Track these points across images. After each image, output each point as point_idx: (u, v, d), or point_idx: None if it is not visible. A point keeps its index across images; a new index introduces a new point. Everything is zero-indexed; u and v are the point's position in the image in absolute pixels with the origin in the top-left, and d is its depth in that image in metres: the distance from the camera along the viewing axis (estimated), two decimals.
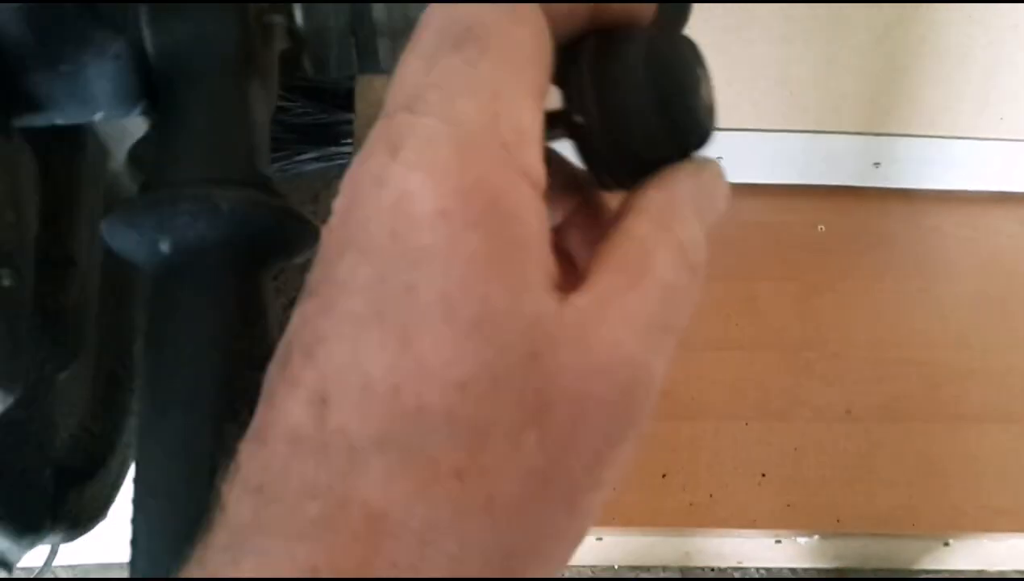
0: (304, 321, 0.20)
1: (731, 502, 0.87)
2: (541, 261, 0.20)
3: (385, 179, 0.19)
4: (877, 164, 1.02)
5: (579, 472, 0.20)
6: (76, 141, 0.39)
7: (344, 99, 0.50)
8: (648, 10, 0.24)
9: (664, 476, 0.88)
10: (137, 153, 0.44)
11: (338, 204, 0.21)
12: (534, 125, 0.20)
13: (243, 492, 0.19)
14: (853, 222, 1.03)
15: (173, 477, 0.24)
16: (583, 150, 0.23)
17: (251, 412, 0.20)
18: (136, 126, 0.43)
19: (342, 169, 0.22)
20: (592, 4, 0.23)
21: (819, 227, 1.02)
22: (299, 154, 0.49)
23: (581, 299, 0.20)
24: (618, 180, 0.23)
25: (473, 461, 0.18)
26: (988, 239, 1.03)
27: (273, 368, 0.20)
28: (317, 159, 0.50)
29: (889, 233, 1.04)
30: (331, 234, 0.20)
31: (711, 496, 0.87)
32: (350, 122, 0.51)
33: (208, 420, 0.25)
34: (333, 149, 0.50)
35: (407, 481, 0.18)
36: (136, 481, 0.25)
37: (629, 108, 0.22)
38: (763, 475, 0.88)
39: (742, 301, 0.97)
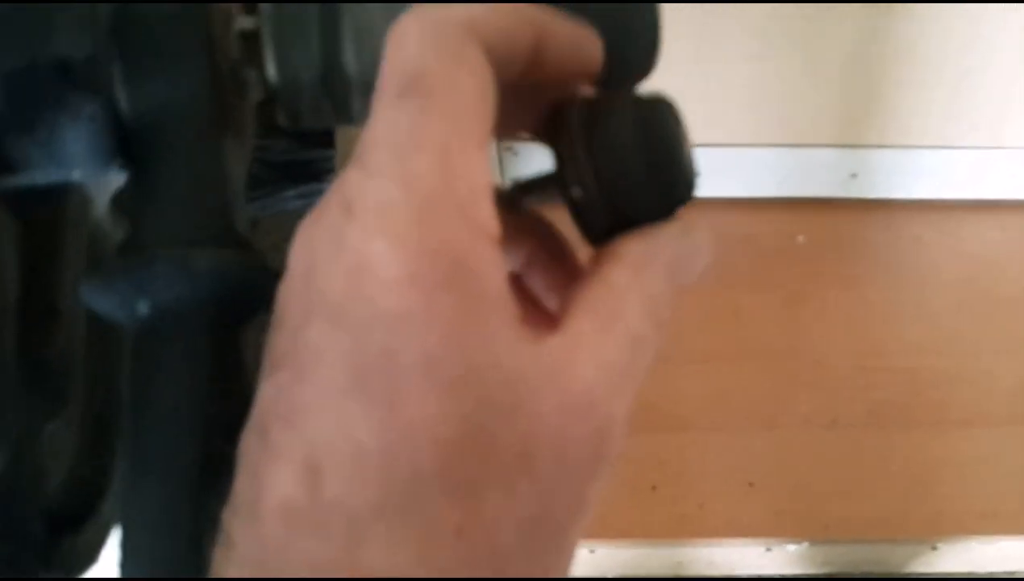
0: (279, 391, 0.20)
1: (721, 512, 0.87)
2: (507, 312, 0.20)
3: (343, 242, 0.20)
4: (854, 175, 1.03)
5: (565, 513, 0.20)
6: (60, 191, 0.40)
7: (325, 136, 0.50)
8: (595, 48, 0.24)
9: (654, 488, 0.88)
10: (120, 200, 0.44)
11: (293, 261, 0.21)
12: (485, 178, 0.21)
13: (242, 568, 0.19)
14: (832, 232, 1.04)
15: (156, 543, 0.25)
16: (579, 216, 0.24)
17: (230, 477, 0.20)
18: (118, 173, 0.44)
19: None
20: (533, 45, 0.23)
21: (799, 238, 1.03)
22: (280, 192, 0.50)
23: (555, 340, 0.21)
24: (610, 239, 0.24)
25: (471, 517, 0.19)
26: (965, 245, 1.05)
27: (250, 439, 0.20)
28: (298, 197, 0.50)
29: (868, 242, 1.05)
30: (292, 297, 0.21)
31: (701, 507, 0.88)
32: (331, 159, 0.51)
33: (187, 486, 0.25)
34: (314, 186, 0.51)
35: (410, 545, 0.18)
36: (121, 544, 0.25)
37: (624, 177, 0.23)
38: (751, 484, 0.89)
39: (725, 313, 0.98)
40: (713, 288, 0.97)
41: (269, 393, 0.20)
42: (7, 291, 0.29)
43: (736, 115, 0.96)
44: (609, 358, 0.21)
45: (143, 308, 0.27)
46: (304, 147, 0.51)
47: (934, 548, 0.88)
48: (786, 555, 0.91)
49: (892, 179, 1.04)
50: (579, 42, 0.24)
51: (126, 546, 0.25)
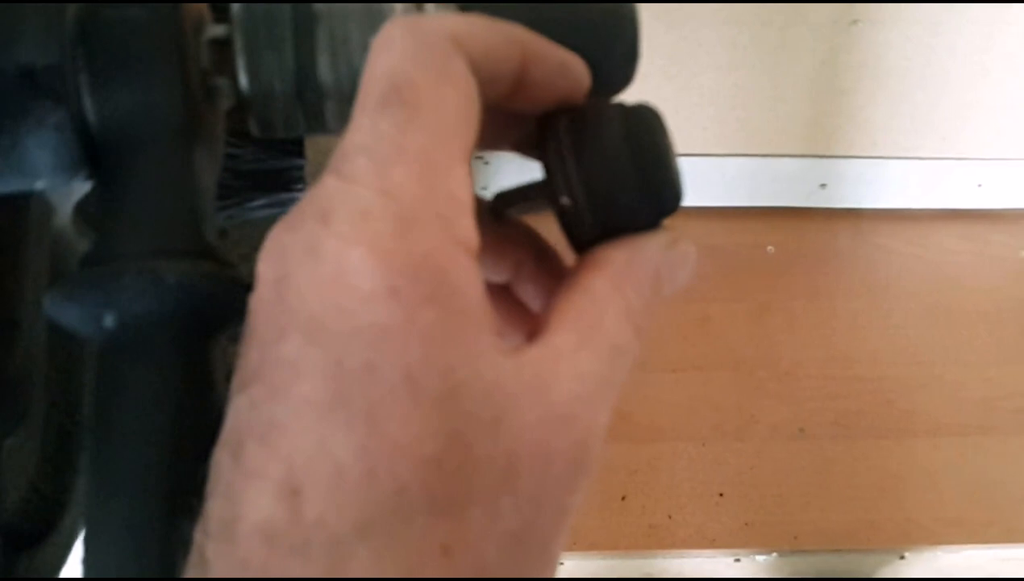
0: (253, 407, 0.19)
1: (690, 522, 0.87)
2: (486, 326, 0.20)
3: (319, 251, 0.19)
4: (823, 185, 1.04)
5: (549, 526, 0.20)
6: (20, 200, 0.39)
7: (295, 145, 0.49)
8: (581, 73, 0.24)
9: (623, 498, 0.88)
10: (84, 208, 0.43)
11: (264, 270, 0.20)
12: (466, 191, 0.21)
13: None
14: (801, 242, 1.05)
15: (123, 563, 0.24)
16: (568, 225, 0.24)
17: (200, 494, 0.20)
18: (83, 182, 0.43)
19: None
20: (519, 66, 0.23)
21: (768, 248, 1.04)
22: (249, 201, 0.49)
23: (535, 352, 0.21)
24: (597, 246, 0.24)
25: (457, 535, 0.18)
26: (933, 255, 1.06)
27: (223, 457, 0.20)
28: (268, 205, 0.49)
29: (837, 252, 1.06)
30: (264, 308, 0.20)
31: (670, 517, 0.88)
32: (301, 168, 0.51)
33: (157, 502, 0.24)
34: (284, 195, 0.50)
35: (396, 565, 0.18)
36: (84, 564, 0.25)
37: (614, 188, 0.23)
38: (720, 495, 0.89)
39: (695, 322, 0.98)
40: (682, 298, 0.97)
41: (242, 409, 0.20)
42: None
43: (705, 125, 0.97)
44: (589, 369, 0.21)
45: (109, 321, 0.26)
46: (273, 156, 0.50)
47: (902, 557, 0.89)
48: (755, 565, 0.91)
49: (860, 189, 1.05)
50: (565, 67, 0.24)
51: (91, 566, 0.24)
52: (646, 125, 0.24)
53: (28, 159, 0.28)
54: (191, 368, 0.26)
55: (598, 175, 0.23)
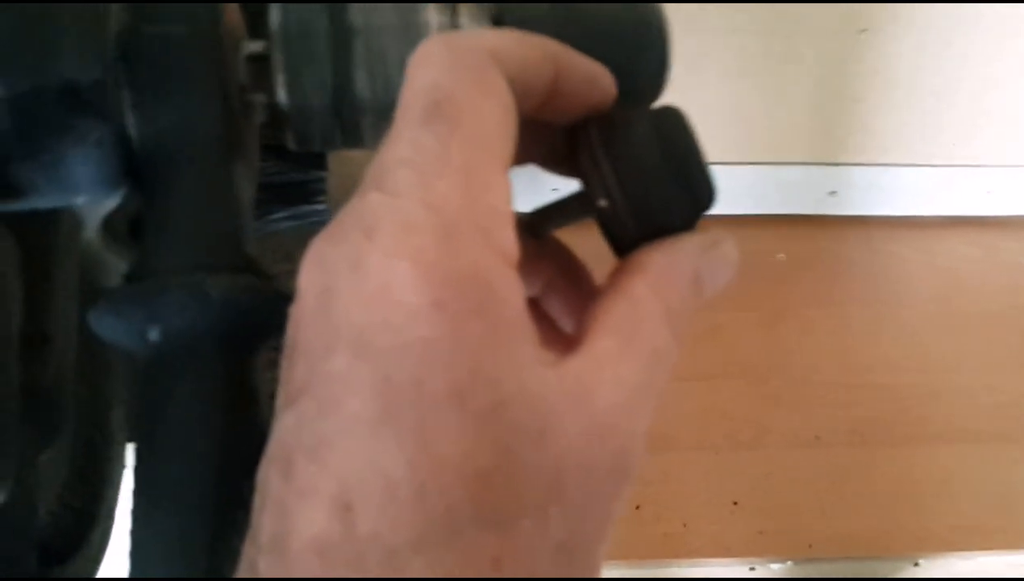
0: (301, 423, 0.19)
1: (704, 531, 0.87)
2: (529, 337, 0.20)
3: (363, 265, 0.19)
4: (833, 192, 1.04)
5: (594, 533, 0.20)
6: (50, 214, 0.39)
7: (317, 157, 0.49)
8: (608, 84, 0.25)
9: (637, 508, 0.88)
10: (113, 223, 0.43)
11: (307, 284, 0.20)
12: (507, 203, 0.21)
13: None
14: (812, 250, 1.05)
15: (170, 572, 0.24)
16: (608, 228, 0.24)
17: (246, 507, 0.20)
18: (119, 197, 0.43)
19: (315, 227, 0.22)
20: (552, 79, 0.23)
21: (779, 256, 1.04)
22: (272, 213, 0.49)
23: (577, 361, 0.21)
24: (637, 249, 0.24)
25: (507, 546, 0.18)
26: (945, 262, 1.06)
27: (271, 473, 0.20)
28: (290, 217, 0.49)
29: (848, 260, 1.06)
30: (309, 322, 0.20)
31: (684, 526, 0.87)
32: (323, 180, 0.51)
33: (203, 516, 0.24)
34: (306, 207, 0.50)
35: (449, 577, 0.18)
36: (131, 572, 0.25)
37: (650, 185, 0.23)
38: (735, 503, 0.89)
39: (706, 331, 0.98)
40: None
41: (290, 425, 0.20)
42: (11, 319, 0.29)
43: (714, 133, 0.97)
44: (630, 376, 0.21)
45: (154, 335, 0.26)
46: (295, 168, 0.50)
47: (916, 564, 0.89)
48: (770, 573, 0.91)
49: (870, 196, 1.05)
50: (594, 78, 0.24)
51: (136, 576, 0.24)
52: (674, 124, 0.24)
53: (70, 175, 0.28)
54: (234, 381, 0.26)
55: (633, 173, 0.23)
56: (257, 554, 0.19)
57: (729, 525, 0.87)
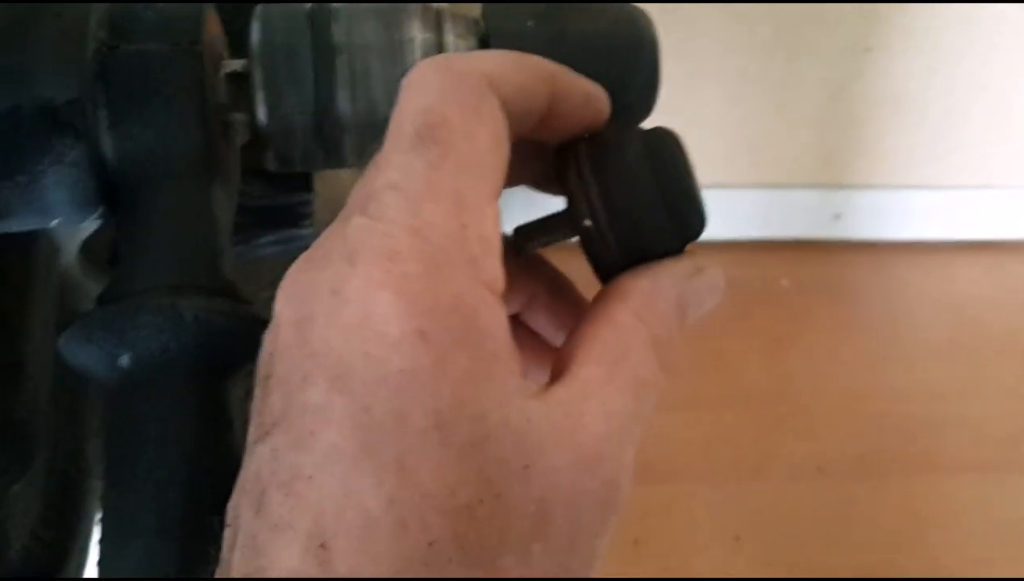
0: (276, 455, 0.19)
1: (707, 566, 0.86)
2: (513, 368, 0.20)
3: (344, 292, 0.19)
4: (837, 216, 1.03)
5: (580, 568, 0.20)
6: (27, 239, 0.38)
7: (302, 179, 0.49)
8: (603, 102, 0.24)
9: (636, 542, 0.87)
10: (90, 248, 0.43)
11: (284, 310, 0.20)
12: (495, 231, 0.20)
13: None
14: (816, 275, 1.04)
15: None
16: (591, 249, 0.24)
17: (216, 541, 0.19)
18: (94, 221, 0.42)
19: (301, 252, 0.21)
20: (548, 101, 0.23)
21: (782, 281, 1.03)
22: (257, 238, 0.48)
23: (562, 392, 0.20)
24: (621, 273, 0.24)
25: None
26: (952, 288, 1.05)
27: (243, 507, 0.19)
28: (275, 242, 0.49)
29: (853, 285, 1.05)
30: (284, 350, 0.19)
31: (685, 561, 0.86)
32: (309, 204, 0.50)
33: (171, 547, 0.23)
34: (292, 231, 0.49)
35: None
36: None
37: (636, 206, 0.23)
38: (737, 538, 0.87)
39: (709, 358, 0.97)
40: (695, 333, 0.96)
41: (264, 457, 0.19)
42: None
43: (718, 156, 0.97)
44: (616, 406, 0.21)
45: (125, 360, 0.25)
46: (281, 191, 0.49)
47: None
48: None
49: (876, 220, 1.05)
50: (589, 98, 0.24)
51: None
52: (665, 145, 0.24)
53: (45, 196, 0.28)
54: (207, 407, 0.26)
55: (619, 194, 0.23)
56: None
57: (732, 560, 0.86)
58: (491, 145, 0.21)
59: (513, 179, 0.26)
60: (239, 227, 0.29)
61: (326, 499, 0.18)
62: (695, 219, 0.24)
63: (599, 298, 0.23)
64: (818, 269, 1.05)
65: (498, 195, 0.21)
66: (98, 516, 0.43)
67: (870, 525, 0.87)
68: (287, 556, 0.18)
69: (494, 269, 0.20)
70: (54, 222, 0.29)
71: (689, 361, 1.01)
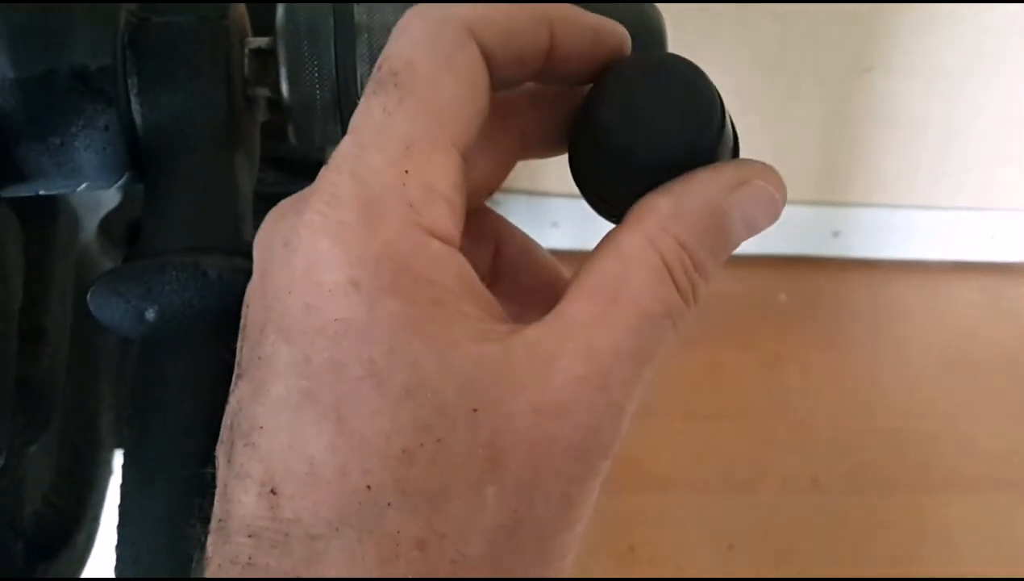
0: (239, 407, 0.19)
1: (701, 574, 0.86)
2: (463, 313, 0.19)
3: (292, 243, 0.19)
4: (837, 233, 1.04)
5: (547, 517, 0.19)
6: (50, 211, 0.39)
7: (315, 168, 0.50)
8: (619, 36, 0.23)
9: (631, 549, 0.87)
10: (110, 226, 0.44)
11: (255, 263, 0.20)
12: (444, 180, 0.20)
13: None
14: (814, 291, 1.05)
15: (156, 549, 0.24)
16: (596, 166, 0.22)
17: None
18: (109, 197, 0.43)
19: None
20: (547, 42, 0.22)
21: (780, 296, 1.04)
22: None
23: (535, 331, 0.19)
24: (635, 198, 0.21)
25: (432, 528, 0.18)
26: (949, 307, 1.06)
27: (220, 456, 0.20)
28: None
29: (850, 302, 1.06)
30: (251, 302, 0.20)
31: (679, 568, 0.87)
32: None
33: (191, 497, 0.24)
34: None
35: (369, 560, 0.18)
36: (118, 548, 0.25)
37: (650, 110, 0.21)
38: (730, 547, 0.88)
39: (705, 370, 0.98)
40: (692, 346, 0.97)
41: (232, 408, 0.20)
42: (15, 297, 0.29)
43: None
44: (604, 345, 0.19)
45: (151, 314, 0.26)
46: (295, 179, 0.50)
47: None
48: None
49: (875, 238, 1.05)
50: (599, 32, 0.23)
51: (123, 553, 0.24)
52: (680, 59, 0.23)
53: (76, 158, 0.29)
54: (228, 361, 0.26)
55: (632, 99, 0.21)
56: (210, 535, 0.19)
57: (724, 569, 0.87)
58: (459, 93, 0.20)
59: (537, 146, 0.25)
60: (253, 213, 0.30)
61: (275, 448, 0.18)
62: (711, 119, 0.21)
63: (611, 231, 0.21)
64: (816, 285, 1.06)
65: (456, 145, 0.20)
66: (111, 488, 0.44)
67: (862, 539, 0.88)
68: (245, 502, 0.19)
69: (438, 216, 0.19)
70: (82, 186, 0.30)
71: (685, 373, 1.02)
